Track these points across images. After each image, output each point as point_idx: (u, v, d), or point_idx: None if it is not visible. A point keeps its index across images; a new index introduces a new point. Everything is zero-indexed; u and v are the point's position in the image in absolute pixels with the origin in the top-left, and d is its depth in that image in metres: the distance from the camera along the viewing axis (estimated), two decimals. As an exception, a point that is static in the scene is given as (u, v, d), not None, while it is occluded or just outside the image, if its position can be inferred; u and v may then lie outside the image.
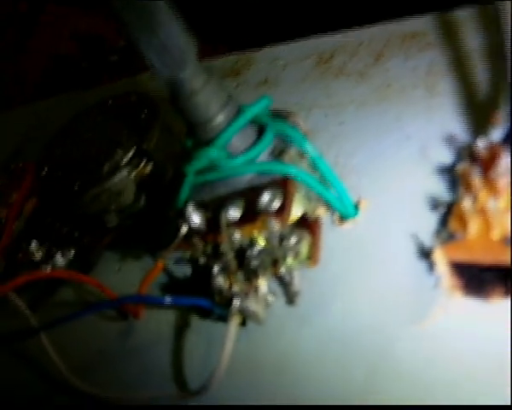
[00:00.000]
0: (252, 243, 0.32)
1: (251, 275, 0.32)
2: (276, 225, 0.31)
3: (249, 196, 0.32)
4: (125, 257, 0.40)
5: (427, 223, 0.32)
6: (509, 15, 0.29)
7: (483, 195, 0.28)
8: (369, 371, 0.29)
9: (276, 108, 0.35)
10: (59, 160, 0.43)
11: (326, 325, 0.32)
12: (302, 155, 0.33)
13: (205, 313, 0.34)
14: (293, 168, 0.32)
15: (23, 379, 0.38)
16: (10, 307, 0.37)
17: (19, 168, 0.48)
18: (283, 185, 0.32)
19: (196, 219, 0.33)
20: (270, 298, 0.32)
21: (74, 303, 0.40)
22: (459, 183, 0.30)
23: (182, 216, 0.33)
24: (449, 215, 0.30)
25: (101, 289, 0.36)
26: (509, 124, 0.29)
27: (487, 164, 0.29)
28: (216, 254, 0.33)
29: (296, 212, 0.33)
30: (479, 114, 0.34)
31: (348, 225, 0.34)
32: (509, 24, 0.29)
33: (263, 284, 0.32)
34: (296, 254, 0.33)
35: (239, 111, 0.33)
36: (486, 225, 0.28)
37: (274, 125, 0.33)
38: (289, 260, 0.32)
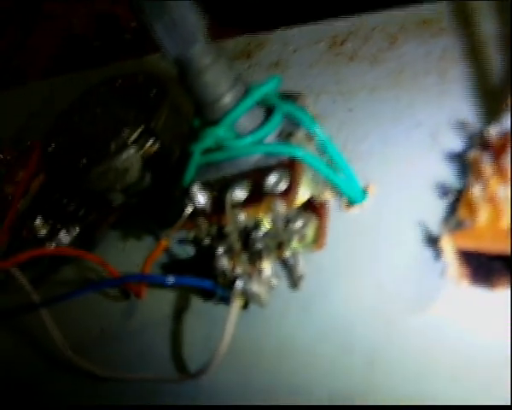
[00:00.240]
0: (257, 224, 0.32)
1: (255, 257, 0.32)
2: (281, 207, 0.31)
3: (255, 178, 0.32)
4: (131, 236, 0.40)
5: (435, 210, 0.31)
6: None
7: (493, 182, 0.28)
8: (370, 358, 0.29)
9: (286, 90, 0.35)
10: (66, 136, 0.43)
11: (329, 311, 0.31)
12: (310, 137, 0.33)
13: (207, 295, 0.34)
14: (301, 150, 0.32)
15: (23, 355, 0.38)
16: (13, 283, 0.36)
17: (26, 146, 0.48)
18: (290, 167, 0.31)
19: (201, 199, 0.32)
20: (274, 281, 0.32)
21: (78, 282, 0.40)
22: (469, 170, 0.29)
23: (187, 195, 0.32)
24: (458, 202, 0.29)
25: (104, 267, 0.36)
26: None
27: (498, 151, 0.28)
28: (220, 235, 0.32)
29: (303, 195, 0.33)
30: (491, 101, 0.34)
31: (355, 210, 0.34)
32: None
33: (267, 266, 0.32)
34: (302, 238, 0.32)
35: (247, 91, 0.33)
36: (496, 214, 0.27)
37: (283, 107, 0.33)
38: (294, 243, 0.32)
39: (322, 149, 0.33)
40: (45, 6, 0.83)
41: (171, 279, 0.33)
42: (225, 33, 0.50)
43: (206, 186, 0.33)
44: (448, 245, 0.28)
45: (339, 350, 0.30)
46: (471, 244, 0.28)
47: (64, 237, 0.40)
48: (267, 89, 0.33)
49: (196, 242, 0.34)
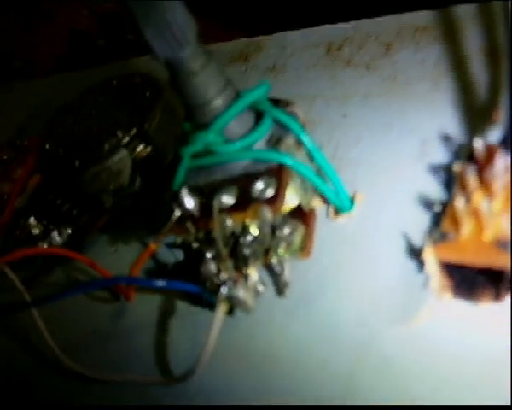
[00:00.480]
0: (244, 230, 0.32)
1: (241, 263, 0.32)
2: (268, 214, 0.31)
3: (243, 183, 0.32)
4: (122, 238, 0.40)
5: (421, 221, 0.31)
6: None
7: (477, 195, 0.28)
8: (354, 366, 0.29)
9: (278, 97, 0.35)
10: (61, 136, 0.43)
11: (314, 319, 0.31)
12: (300, 144, 0.33)
13: (196, 300, 0.34)
14: (290, 158, 0.32)
15: (12, 356, 0.38)
16: (4, 281, 0.37)
17: (24, 144, 0.48)
18: (278, 174, 0.31)
19: (190, 203, 0.32)
20: (260, 288, 0.32)
21: (69, 283, 0.40)
22: (455, 182, 0.29)
23: (176, 199, 0.33)
24: (443, 215, 0.29)
25: (94, 268, 0.36)
26: (507, 125, 0.29)
27: (483, 165, 0.28)
28: (208, 240, 0.32)
29: (291, 202, 0.33)
30: (479, 113, 0.33)
31: (343, 219, 0.34)
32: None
33: (253, 272, 0.32)
34: (288, 245, 0.32)
35: (237, 96, 0.33)
36: (479, 227, 0.27)
37: (272, 113, 0.33)
38: (281, 250, 0.32)
39: (311, 157, 0.33)
40: (48, 5, 0.83)
41: (160, 282, 0.33)
42: (224, 36, 0.50)
43: (196, 190, 0.33)
44: (431, 257, 0.28)
45: (323, 358, 0.30)
46: (454, 257, 0.28)
47: (56, 237, 0.40)
48: (257, 94, 0.33)
49: (185, 246, 0.34)
